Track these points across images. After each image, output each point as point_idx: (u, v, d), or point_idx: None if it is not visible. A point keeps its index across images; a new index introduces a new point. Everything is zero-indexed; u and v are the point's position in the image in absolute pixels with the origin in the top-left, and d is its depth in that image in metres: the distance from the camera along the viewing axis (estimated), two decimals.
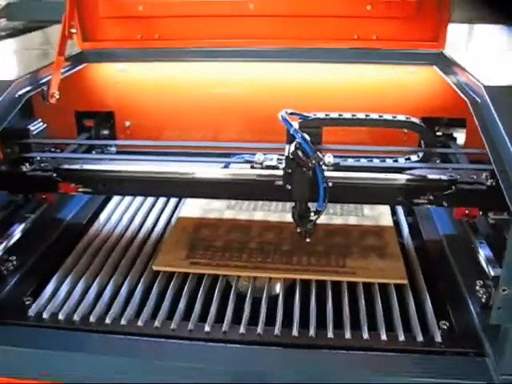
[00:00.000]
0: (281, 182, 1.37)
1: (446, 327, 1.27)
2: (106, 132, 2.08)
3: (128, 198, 1.89)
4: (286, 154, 1.33)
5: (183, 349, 1.23)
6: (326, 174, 1.33)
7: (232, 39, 1.80)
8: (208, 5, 1.78)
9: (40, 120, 1.68)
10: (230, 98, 1.96)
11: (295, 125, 1.32)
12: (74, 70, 1.79)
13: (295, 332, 1.26)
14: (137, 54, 1.85)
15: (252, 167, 1.42)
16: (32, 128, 1.61)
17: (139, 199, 1.89)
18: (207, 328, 1.27)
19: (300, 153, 1.29)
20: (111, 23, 1.81)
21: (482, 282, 1.31)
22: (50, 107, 1.63)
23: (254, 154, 1.43)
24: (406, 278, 1.41)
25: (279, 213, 1.74)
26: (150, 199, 1.89)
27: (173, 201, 1.88)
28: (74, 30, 1.66)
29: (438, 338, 1.24)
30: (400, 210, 1.80)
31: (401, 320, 1.29)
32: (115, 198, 1.89)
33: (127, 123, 2.06)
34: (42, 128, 1.66)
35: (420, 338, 1.24)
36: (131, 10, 1.78)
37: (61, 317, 1.33)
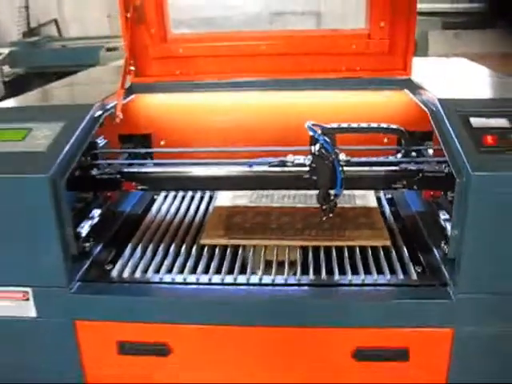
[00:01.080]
0: (308, 175, 1.80)
1: (419, 270, 1.73)
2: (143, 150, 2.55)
3: (171, 195, 2.36)
4: (313, 151, 1.75)
5: (229, 292, 1.71)
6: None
7: (249, 73, 2.27)
8: (231, 47, 2.28)
9: (103, 137, 2.15)
10: (248, 119, 2.41)
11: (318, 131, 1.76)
12: (126, 100, 2.24)
13: (312, 277, 1.73)
14: (175, 86, 2.31)
15: (285, 165, 1.83)
16: (99, 141, 2.08)
17: (181, 194, 2.36)
18: (248, 276, 1.74)
19: (323, 150, 1.74)
20: (158, 62, 2.27)
21: (445, 241, 1.76)
22: (100, 131, 2.05)
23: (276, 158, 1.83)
24: (390, 241, 1.90)
25: (291, 204, 2.22)
26: (189, 194, 2.36)
27: (207, 195, 2.36)
28: (132, 68, 2.17)
29: (414, 277, 1.70)
30: (384, 200, 2.28)
31: (387, 267, 1.77)
32: (161, 195, 2.36)
33: (162, 142, 2.48)
34: (104, 142, 2.12)
35: (401, 277, 1.71)
36: (174, 51, 2.26)
37: (137, 275, 1.78)
